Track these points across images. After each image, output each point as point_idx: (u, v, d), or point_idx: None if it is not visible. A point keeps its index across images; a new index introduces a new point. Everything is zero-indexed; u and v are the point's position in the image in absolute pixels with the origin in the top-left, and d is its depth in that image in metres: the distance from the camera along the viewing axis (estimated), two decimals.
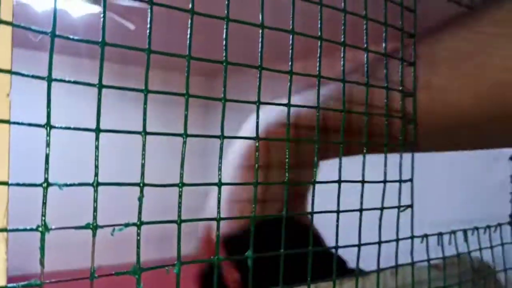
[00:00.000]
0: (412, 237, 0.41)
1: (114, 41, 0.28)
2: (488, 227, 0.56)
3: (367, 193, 0.37)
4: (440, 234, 0.48)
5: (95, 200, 0.22)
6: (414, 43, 0.38)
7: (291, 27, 0.26)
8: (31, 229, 0.20)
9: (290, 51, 0.25)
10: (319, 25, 0.31)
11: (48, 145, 0.20)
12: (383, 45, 0.35)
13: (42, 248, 0.20)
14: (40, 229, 0.20)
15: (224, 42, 0.24)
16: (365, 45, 0.34)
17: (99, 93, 0.21)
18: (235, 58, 0.24)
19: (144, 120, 0.24)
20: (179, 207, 0.24)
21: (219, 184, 0.26)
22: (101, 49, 0.21)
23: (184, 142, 0.25)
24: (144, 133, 0.23)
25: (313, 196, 0.33)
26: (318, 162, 0.33)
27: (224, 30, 0.24)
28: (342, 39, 0.32)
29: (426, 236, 0.44)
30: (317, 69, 0.30)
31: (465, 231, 0.49)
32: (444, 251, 0.47)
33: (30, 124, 0.20)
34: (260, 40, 0.25)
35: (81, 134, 0.23)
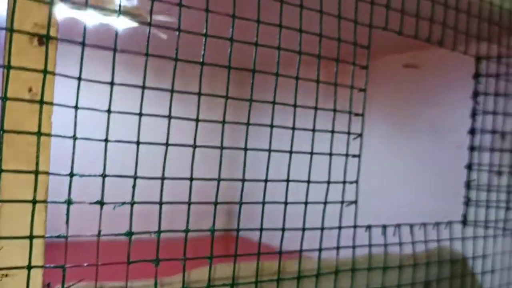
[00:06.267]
0: (354, 226, 0.47)
1: (150, 47, 0.38)
2: (437, 224, 0.60)
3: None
4: (384, 226, 0.52)
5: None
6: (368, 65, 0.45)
7: (255, 39, 0.35)
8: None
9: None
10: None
11: (73, 150, 0.29)
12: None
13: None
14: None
15: (202, 56, 0.32)
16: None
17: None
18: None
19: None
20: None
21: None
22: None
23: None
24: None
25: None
26: None
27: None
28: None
29: (369, 227, 0.49)
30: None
31: (411, 226, 0.52)
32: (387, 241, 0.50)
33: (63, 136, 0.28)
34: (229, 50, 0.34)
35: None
